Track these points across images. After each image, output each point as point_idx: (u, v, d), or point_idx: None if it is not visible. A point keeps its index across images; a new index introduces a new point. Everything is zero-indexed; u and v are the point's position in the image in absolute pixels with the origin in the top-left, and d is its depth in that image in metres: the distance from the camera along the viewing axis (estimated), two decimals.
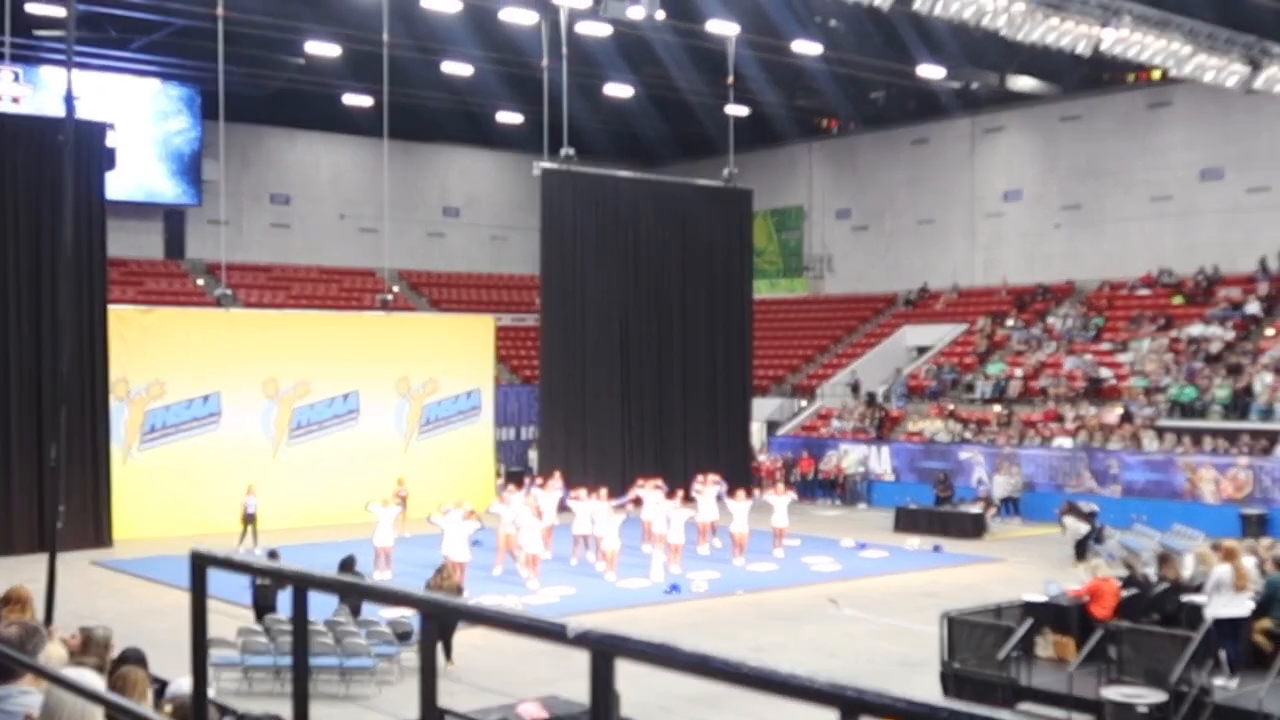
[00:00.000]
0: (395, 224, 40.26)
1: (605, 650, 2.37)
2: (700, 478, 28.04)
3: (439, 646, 15.33)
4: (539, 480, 29.57)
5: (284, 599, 16.94)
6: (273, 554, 17.49)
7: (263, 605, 17.00)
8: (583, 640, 2.39)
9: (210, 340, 31.02)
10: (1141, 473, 30.69)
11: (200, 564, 3.36)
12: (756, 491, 29.85)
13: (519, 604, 20.59)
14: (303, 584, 3.15)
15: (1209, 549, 15.04)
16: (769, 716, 7.07)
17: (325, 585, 3.20)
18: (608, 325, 35.08)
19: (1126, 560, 18.21)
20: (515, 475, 34.70)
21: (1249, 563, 14.70)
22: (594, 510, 24.73)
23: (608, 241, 35.20)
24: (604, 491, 25.54)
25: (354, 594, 15.21)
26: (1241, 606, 13.96)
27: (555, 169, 33.91)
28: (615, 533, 23.80)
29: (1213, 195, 37.80)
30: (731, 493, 26.58)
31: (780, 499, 26.99)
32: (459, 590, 17.55)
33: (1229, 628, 13.80)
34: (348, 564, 18.13)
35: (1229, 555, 14.31)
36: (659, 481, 27.36)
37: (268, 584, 16.64)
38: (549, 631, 2.46)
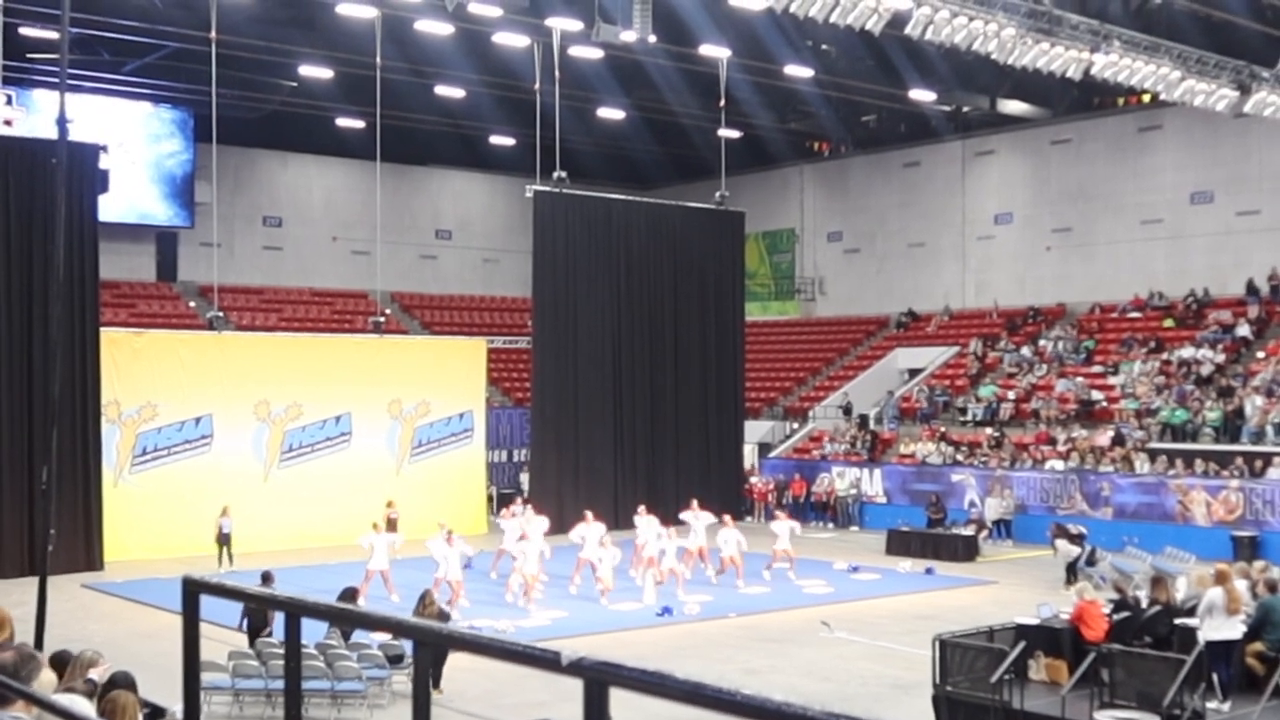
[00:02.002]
0: (387, 246, 40.26)
1: (599, 678, 2.37)
2: (694, 506, 27.56)
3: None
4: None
5: (277, 618, 16.88)
6: (266, 577, 17.41)
7: (256, 626, 16.93)
8: (577, 669, 2.39)
9: (202, 363, 30.97)
10: (1133, 495, 30.71)
11: (192, 591, 3.36)
12: (749, 517, 29.65)
13: (511, 626, 20.54)
14: (296, 611, 3.15)
15: (1207, 572, 15.05)
16: None
17: (318, 613, 3.20)
18: (599, 347, 35.06)
19: (1117, 583, 18.23)
20: (507, 498, 34.59)
21: (1241, 585, 14.71)
22: (589, 534, 24.54)
23: (600, 264, 35.22)
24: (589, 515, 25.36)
25: (350, 623, 15.18)
26: (1234, 629, 13.97)
27: (547, 191, 33.96)
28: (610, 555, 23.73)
29: (1203, 218, 37.94)
30: (719, 518, 26.32)
31: (783, 526, 26.87)
32: (443, 617, 17.50)
33: (1221, 651, 13.80)
34: (348, 595, 18.08)
35: (1221, 578, 14.32)
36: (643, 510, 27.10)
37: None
38: (544, 660, 2.46)
